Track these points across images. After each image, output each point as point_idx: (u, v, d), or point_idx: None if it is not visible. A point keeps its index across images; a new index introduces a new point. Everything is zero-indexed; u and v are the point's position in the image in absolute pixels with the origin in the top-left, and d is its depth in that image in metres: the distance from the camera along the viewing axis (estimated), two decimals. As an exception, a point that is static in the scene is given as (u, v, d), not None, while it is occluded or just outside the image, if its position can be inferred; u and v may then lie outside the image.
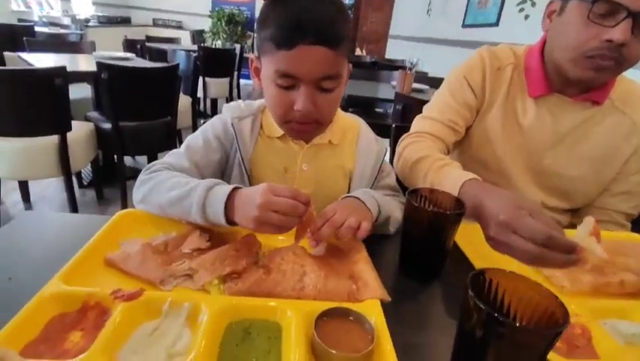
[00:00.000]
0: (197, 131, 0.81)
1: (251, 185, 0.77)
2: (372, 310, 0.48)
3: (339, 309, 0.46)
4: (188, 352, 0.41)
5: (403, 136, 0.94)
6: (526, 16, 2.35)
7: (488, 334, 0.36)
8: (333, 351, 0.41)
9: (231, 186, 0.60)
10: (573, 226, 0.85)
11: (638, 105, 0.85)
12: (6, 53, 3.33)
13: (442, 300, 0.58)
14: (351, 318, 0.46)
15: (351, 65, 0.74)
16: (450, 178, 0.72)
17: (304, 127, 0.72)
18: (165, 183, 0.66)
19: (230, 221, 0.59)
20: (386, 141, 1.25)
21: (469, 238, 0.68)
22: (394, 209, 0.74)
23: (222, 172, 0.81)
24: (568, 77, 0.79)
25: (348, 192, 0.81)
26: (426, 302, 0.57)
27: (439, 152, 0.86)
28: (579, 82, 0.80)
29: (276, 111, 0.72)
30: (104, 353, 0.39)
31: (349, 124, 0.84)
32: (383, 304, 0.50)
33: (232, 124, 0.77)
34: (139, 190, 0.68)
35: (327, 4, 0.65)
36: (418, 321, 0.53)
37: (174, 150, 0.78)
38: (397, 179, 0.88)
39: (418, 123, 0.96)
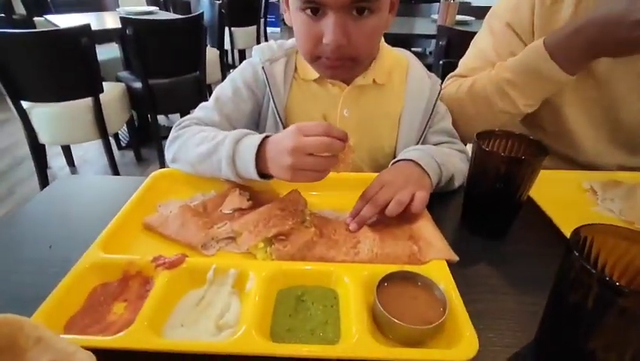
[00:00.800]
0: (226, 80, 0.73)
1: None
2: (439, 274, 0.42)
3: (402, 273, 0.41)
4: (238, 324, 0.37)
5: (449, 75, 0.81)
6: None
7: (603, 307, 0.29)
8: (400, 322, 0.35)
9: (261, 136, 0.53)
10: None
11: None
12: (36, 18, 3.34)
13: (516, 260, 0.51)
14: (418, 283, 0.40)
15: None
16: (524, 53, 0.65)
17: (337, 64, 0.61)
18: (192, 138, 0.60)
19: (263, 174, 0.53)
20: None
21: (538, 187, 0.58)
22: (457, 162, 0.64)
23: (257, 123, 0.74)
24: None
25: (397, 140, 0.73)
26: (498, 263, 0.50)
27: None
28: None
29: (304, 46, 0.62)
30: (150, 327, 0.36)
31: (396, 60, 0.72)
32: (450, 265, 0.44)
33: (263, 67, 0.68)
34: (169, 149, 0.64)
35: None
36: (490, 284, 0.46)
37: (203, 103, 0.71)
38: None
39: (449, 85, 0.80)
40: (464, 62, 0.82)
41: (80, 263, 0.42)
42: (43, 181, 1.85)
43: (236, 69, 0.74)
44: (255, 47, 0.72)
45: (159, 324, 0.37)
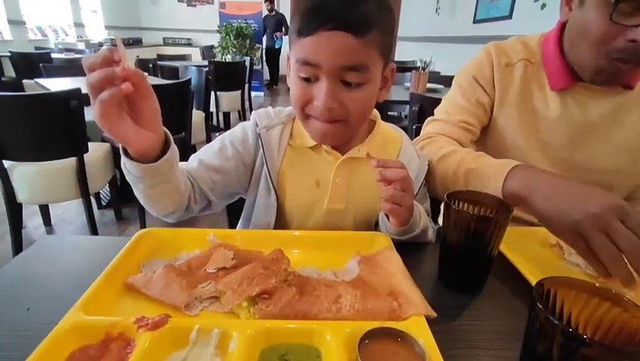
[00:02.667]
0: (216, 138, 0.77)
1: (278, 200, 0.73)
2: (418, 329, 0.43)
3: (383, 329, 0.42)
4: (220, 386, 0.37)
5: (416, 139, 0.89)
6: (543, 5, 2.26)
7: (567, 356, 0.31)
8: (382, 379, 0.36)
9: None
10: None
11: None
12: (25, 81, 3.43)
13: (492, 314, 0.52)
14: (398, 339, 0.41)
15: (393, 65, 0.68)
16: (492, 164, 0.68)
17: (326, 126, 0.64)
18: None
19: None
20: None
21: (508, 243, 0.62)
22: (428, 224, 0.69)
23: (240, 183, 0.76)
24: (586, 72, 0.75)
25: None
26: (474, 317, 0.51)
27: None
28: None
29: (297, 106, 0.66)
30: (129, 391, 0.35)
31: (392, 137, 0.78)
32: (429, 321, 0.46)
33: (259, 135, 0.72)
34: None
35: None
36: (469, 339, 0.47)
37: (191, 155, 0.75)
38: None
39: (429, 126, 0.90)
40: (437, 110, 0.92)
41: (59, 326, 0.42)
42: (17, 241, 1.79)
43: (229, 130, 0.78)
44: (254, 112, 0.77)
45: (140, 388, 0.37)
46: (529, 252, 0.63)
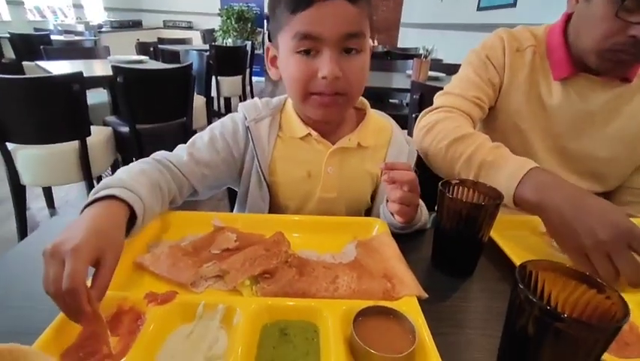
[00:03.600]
0: (207, 128, 0.77)
1: (271, 193, 0.74)
2: (410, 308, 0.46)
3: (376, 307, 0.45)
4: (225, 355, 0.40)
5: (427, 109, 0.89)
6: (546, -5, 2.26)
7: (542, 330, 0.34)
8: (374, 351, 0.39)
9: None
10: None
11: None
12: (25, 63, 3.42)
13: (480, 296, 0.56)
14: (390, 316, 0.44)
15: (371, 41, 0.69)
16: (510, 161, 0.68)
17: (330, 100, 0.64)
18: (130, 166, 0.63)
19: None
20: (403, 133, 1.22)
21: (501, 231, 0.65)
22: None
23: (230, 175, 0.77)
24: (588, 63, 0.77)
25: (373, 198, 0.79)
26: (463, 298, 0.55)
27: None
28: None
29: (298, 84, 0.65)
30: (142, 359, 0.38)
31: (381, 125, 0.80)
32: (420, 301, 0.49)
33: (248, 127, 0.73)
34: None
35: None
36: (457, 318, 0.51)
37: (181, 145, 0.75)
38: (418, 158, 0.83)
39: (441, 99, 0.90)
40: (448, 86, 0.92)
41: (75, 299, 0.45)
42: (22, 223, 1.83)
43: (219, 121, 0.77)
44: (241, 105, 0.77)
45: (151, 356, 0.40)
46: (520, 239, 0.66)
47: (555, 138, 0.85)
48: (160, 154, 0.71)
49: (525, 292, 0.35)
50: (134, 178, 0.57)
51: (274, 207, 0.76)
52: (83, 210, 0.51)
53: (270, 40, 0.71)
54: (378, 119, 0.80)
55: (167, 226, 0.65)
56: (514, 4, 2.88)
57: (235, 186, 0.80)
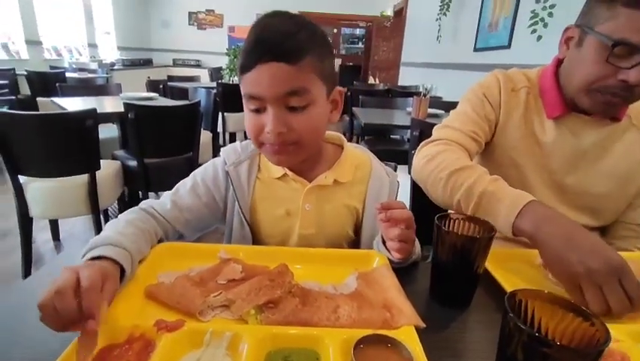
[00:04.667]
0: (190, 175, 0.81)
1: (253, 231, 0.78)
2: (408, 337, 0.48)
3: (376, 336, 0.47)
4: (231, 382, 0.42)
5: (426, 141, 0.93)
6: (539, 37, 2.37)
7: (531, 356, 0.36)
8: (374, 379, 0.41)
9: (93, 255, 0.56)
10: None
11: None
12: (39, 99, 3.56)
13: (477, 326, 0.57)
14: (388, 345, 0.46)
15: (340, 89, 0.73)
16: (509, 193, 0.70)
17: (280, 149, 0.69)
18: (117, 221, 0.67)
19: None
20: (404, 168, 1.26)
21: (498, 263, 0.68)
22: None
23: (214, 217, 0.81)
24: (579, 104, 0.82)
25: (358, 233, 0.81)
26: (460, 328, 0.56)
27: None
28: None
29: (251, 136, 0.71)
30: (151, 384, 0.40)
31: (360, 160, 0.82)
32: (418, 330, 0.50)
33: (227, 172, 0.77)
34: None
35: (285, 20, 0.66)
36: (455, 348, 0.52)
37: (167, 192, 0.79)
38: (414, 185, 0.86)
39: (441, 131, 0.94)
40: (447, 120, 0.96)
41: (89, 326, 0.47)
42: (28, 256, 1.84)
43: (202, 166, 0.82)
44: (222, 149, 0.81)
45: (160, 382, 0.42)
46: (516, 271, 0.68)
47: (551, 174, 0.89)
48: (146, 203, 0.75)
49: (514, 319, 0.37)
50: (121, 232, 0.62)
51: (257, 245, 0.79)
52: None
53: None
54: (356, 154, 0.83)
55: (175, 258, 0.67)
56: (508, 46, 3.02)
57: (220, 224, 0.84)
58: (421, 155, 0.89)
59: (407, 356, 0.45)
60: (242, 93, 0.68)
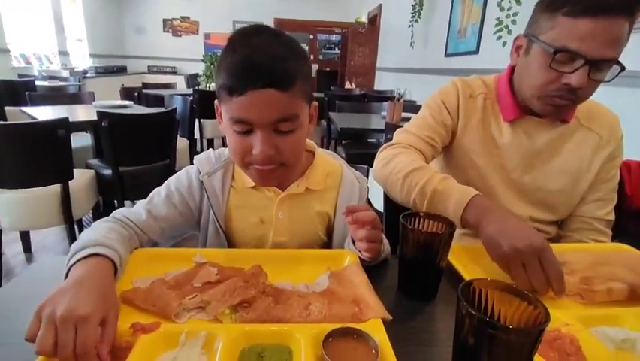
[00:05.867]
0: (164, 183, 0.81)
1: (228, 239, 0.80)
2: (375, 329, 0.51)
3: (344, 329, 0.50)
4: (206, 378, 0.44)
5: (387, 144, 0.99)
6: (504, 43, 2.49)
7: (480, 337, 0.39)
8: (342, 368, 0.44)
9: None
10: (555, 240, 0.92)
11: (600, 122, 0.94)
12: (7, 108, 3.44)
13: (442, 317, 0.61)
14: (355, 337, 0.49)
15: (316, 103, 0.75)
16: (456, 190, 0.77)
17: (267, 171, 0.69)
18: (93, 229, 0.66)
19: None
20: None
21: (460, 257, 0.73)
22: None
23: (188, 225, 0.82)
24: (531, 107, 0.89)
25: (330, 238, 0.84)
26: (425, 319, 0.60)
27: None
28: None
29: (236, 157, 0.70)
30: (128, 384, 0.42)
31: (331, 168, 0.84)
32: (385, 322, 0.54)
33: (202, 181, 0.78)
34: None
35: (276, 46, 0.64)
36: (419, 337, 0.56)
37: (141, 201, 0.79)
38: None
39: (400, 136, 1.00)
40: (408, 124, 1.02)
41: (64, 332, 0.48)
42: (-3, 268, 1.79)
43: (175, 175, 0.82)
44: (196, 158, 0.82)
45: (136, 382, 0.43)
46: (479, 265, 0.72)
47: (508, 173, 0.95)
48: (120, 212, 0.75)
49: (466, 306, 0.41)
50: (106, 236, 0.62)
51: None
52: (69, 269, 0.56)
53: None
54: (327, 161, 0.85)
55: (151, 263, 0.68)
56: (477, 52, 3.13)
57: (195, 231, 0.85)
58: (380, 158, 0.95)
59: (373, 347, 0.48)
60: (225, 114, 0.67)
